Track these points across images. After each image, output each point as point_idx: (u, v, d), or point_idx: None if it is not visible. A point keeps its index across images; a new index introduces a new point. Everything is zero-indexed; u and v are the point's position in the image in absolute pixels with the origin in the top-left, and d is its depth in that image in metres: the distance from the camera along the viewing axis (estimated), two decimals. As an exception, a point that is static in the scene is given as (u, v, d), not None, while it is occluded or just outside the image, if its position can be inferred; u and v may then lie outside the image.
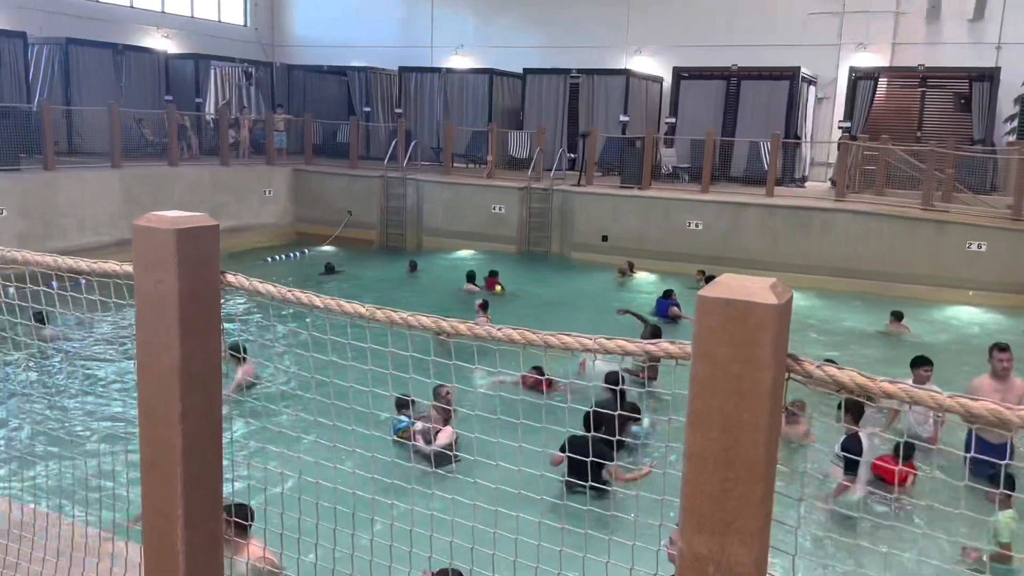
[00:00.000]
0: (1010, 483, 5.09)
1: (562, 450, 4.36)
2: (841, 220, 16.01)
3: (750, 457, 1.75)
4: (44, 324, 7.29)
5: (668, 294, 13.46)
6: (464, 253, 18.32)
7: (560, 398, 8.16)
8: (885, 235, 15.58)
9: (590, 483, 3.24)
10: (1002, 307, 14.24)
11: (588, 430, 6.58)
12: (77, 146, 19.29)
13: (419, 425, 7.57)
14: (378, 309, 2.24)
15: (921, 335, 12.65)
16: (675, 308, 13.07)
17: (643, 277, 16.46)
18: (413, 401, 6.77)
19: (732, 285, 1.74)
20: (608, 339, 2.02)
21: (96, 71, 20.51)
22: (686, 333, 2.00)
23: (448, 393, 7.44)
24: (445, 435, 7.33)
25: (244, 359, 8.46)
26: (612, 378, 7.99)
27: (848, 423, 6.63)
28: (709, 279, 16.07)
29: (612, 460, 6.50)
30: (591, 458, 2.94)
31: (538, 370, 8.36)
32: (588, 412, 3.49)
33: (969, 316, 14.09)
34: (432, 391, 7.31)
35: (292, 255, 18.56)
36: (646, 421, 8.12)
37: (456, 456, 6.14)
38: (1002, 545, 5.80)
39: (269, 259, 17.65)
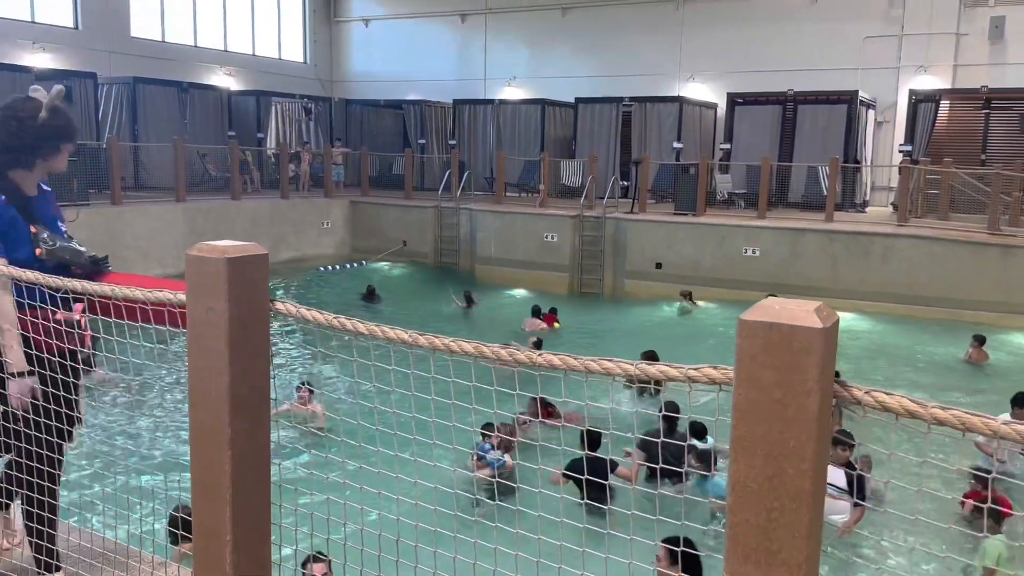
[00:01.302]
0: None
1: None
2: (904, 245, 15.61)
3: (796, 486, 1.70)
4: (92, 367, 7.46)
5: None
6: (518, 292, 18.24)
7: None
8: (950, 260, 15.13)
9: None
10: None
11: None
12: (143, 181, 20.01)
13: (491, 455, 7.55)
14: (420, 335, 2.25)
15: (1001, 362, 12.22)
16: None
17: (703, 306, 16.24)
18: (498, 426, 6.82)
19: (775, 308, 1.71)
20: (650, 364, 2.00)
21: (162, 108, 21.30)
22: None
23: (525, 423, 7.51)
24: (507, 466, 7.33)
25: (310, 392, 8.52)
26: (672, 406, 7.90)
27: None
28: (687, 296, 15.84)
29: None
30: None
31: (543, 401, 8.10)
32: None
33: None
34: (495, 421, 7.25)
35: (347, 266, 19.07)
36: (710, 439, 7.97)
37: (518, 487, 6.07)
38: (986, 570, 5.79)
39: (323, 268, 18.23)
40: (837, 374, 1.80)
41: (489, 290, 18.17)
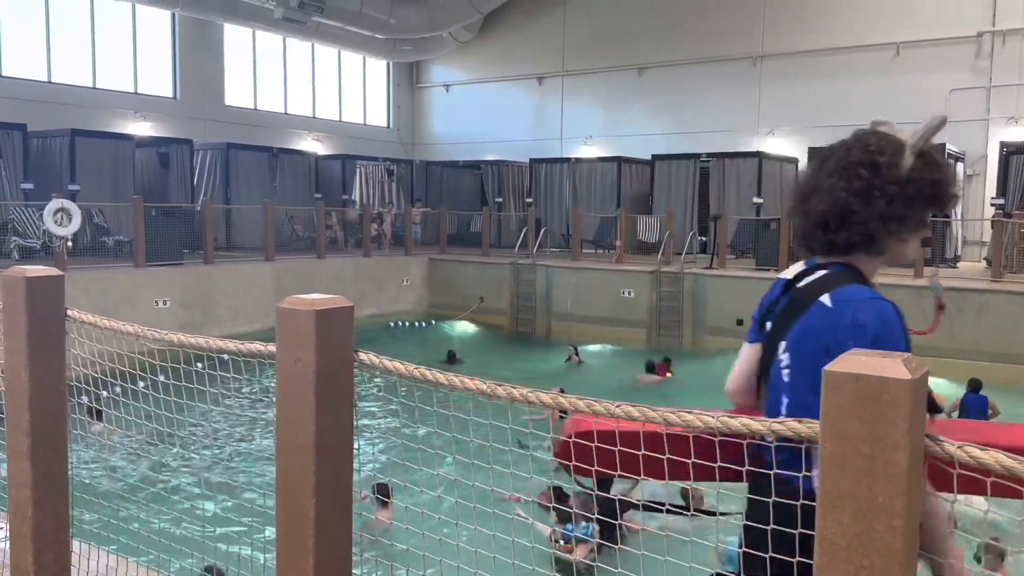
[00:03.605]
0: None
1: None
2: (998, 302, 14.95)
3: (886, 544, 1.65)
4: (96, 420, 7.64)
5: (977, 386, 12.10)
6: (598, 346, 18.20)
7: None
8: (1051, 317, 14.40)
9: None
10: None
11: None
12: (235, 241, 20.84)
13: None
14: (499, 385, 2.28)
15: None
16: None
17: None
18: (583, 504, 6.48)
19: (861, 359, 1.68)
20: (731, 417, 1.97)
21: (253, 172, 22.27)
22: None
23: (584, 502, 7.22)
24: (586, 545, 7.04)
25: (387, 502, 7.14)
26: None
27: None
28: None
29: None
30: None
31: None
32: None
33: None
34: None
35: (418, 323, 19.50)
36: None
37: (597, 565, 5.89)
38: None
39: (392, 324, 18.91)
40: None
41: (566, 347, 18.18)
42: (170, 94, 24.14)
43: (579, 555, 6.93)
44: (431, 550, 2.68)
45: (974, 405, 11.90)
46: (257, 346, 2.71)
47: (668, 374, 14.86)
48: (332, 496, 2.48)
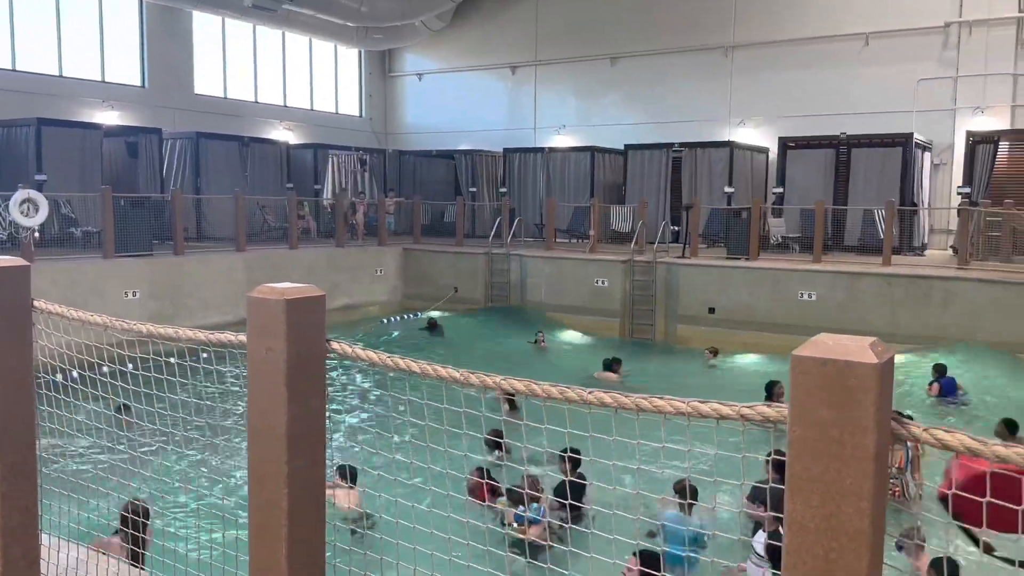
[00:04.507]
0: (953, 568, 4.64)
1: None
2: (965, 289, 15.20)
3: (855, 527, 1.67)
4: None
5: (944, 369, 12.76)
6: (573, 335, 18.27)
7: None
8: (1014, 303, 14.66)
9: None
10: None
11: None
12: (205, 232, 20.60)
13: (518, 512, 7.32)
14: (471, 373, 2.28)
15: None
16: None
17: (749, 360, 15.93)
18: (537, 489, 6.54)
19: (829, 344, 1.70)
20: (703, 402, 1.99)
21: (223, 162, 22.01)
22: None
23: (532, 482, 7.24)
24: (539, 526, 7.11)
25: (351, 485, 7.17)
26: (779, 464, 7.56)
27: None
28: (713, 353, 15.41)
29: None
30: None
31: (480, 472, 7.33)
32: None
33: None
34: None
35: (405, 316, 19.64)
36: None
37: (551, 545, 5.93)
38: None
39: (384, 320, 18.92)
40: (901, 414, 1.77)
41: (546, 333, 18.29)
42: (138, 82, 23.76)
43: (534, 535, 7.01)
44: (403, 537, 2.68)
45: (948, 387, 12.27)
46: (227, 336, 2.68)
47: (618, 374, 14.73)
48: (305, 486, 2.47)
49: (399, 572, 2.66)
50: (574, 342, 17.99)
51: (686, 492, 6.05)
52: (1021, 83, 20.92)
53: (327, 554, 2.56)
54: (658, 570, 5.00)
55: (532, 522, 7.23)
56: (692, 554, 5.83)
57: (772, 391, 10.87)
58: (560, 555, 2.53)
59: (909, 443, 1.73)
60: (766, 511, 5.72)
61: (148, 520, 4.24)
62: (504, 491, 6.73)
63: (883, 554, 1.72)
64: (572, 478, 7.30)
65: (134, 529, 4.08)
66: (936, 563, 5.22)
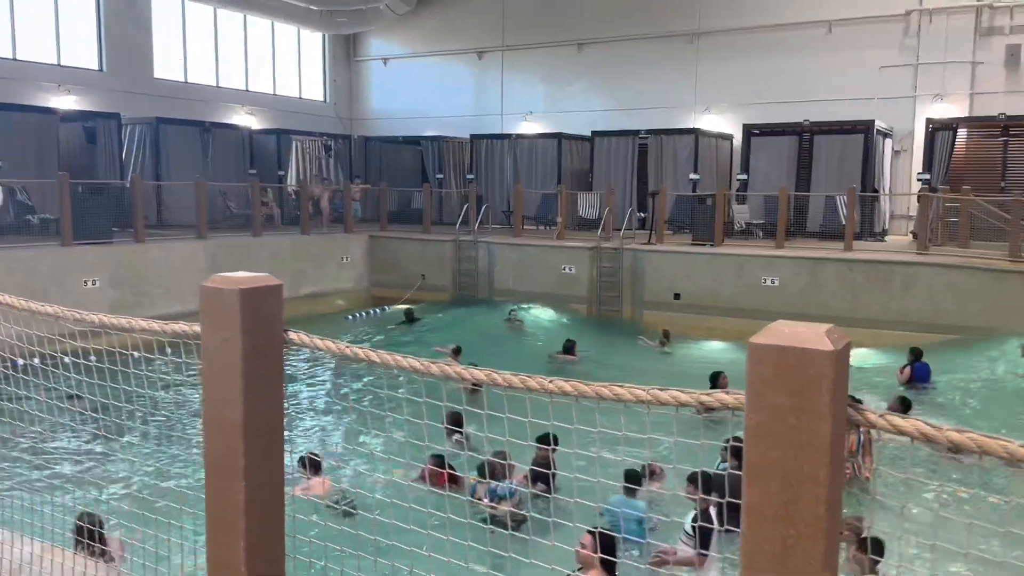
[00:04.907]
0: (878, 547, 4.78)
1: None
2: (924, 274, 15.47)
3: (812, 513, 1.68)
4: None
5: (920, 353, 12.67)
6: (547, 315, 18.31)
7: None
8: (972, 288, 14.96)
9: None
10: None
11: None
12: (166, 219, 20.26)
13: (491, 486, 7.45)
14: (432, 363, 2.26)
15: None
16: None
17: (715, 346, 16.08)
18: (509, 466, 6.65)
19: (785, 331, 1.70)
20: (662, 390, 1.99)
21: (184, 148, 21.63)
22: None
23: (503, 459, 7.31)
24: (508, 503, 7.23)
25: (318, 471, 7.15)
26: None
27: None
28: (664, 337, 15.71)
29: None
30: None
31: (439, 461, 7.31)
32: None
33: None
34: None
35: (372, 312, 19.16)
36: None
37: (524, 518, 6.03)
38: None
39: (351, 317, 18.36)
40: (854, 399, 1.78)
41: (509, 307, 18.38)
42: (96, 66, 23.22)
43: (503, 508, 7.09)
44: (366, 528, 2.65)
45: (921, 372, 12.32)
46: (181, 326, 2.63)
47: (575, 355, 14.93)
48: (263, 478, 2.43)
49: (377, 564, 2.63)
50: (545, 320, 18.01)
51: (639, 477, 6.20)
52: (979, 71, 21.27)
53: (322, 545, 2.52)
54: (611, 546, 5.19)
55: (503, 498, 7.32)
56: (630, 537, 5.95)
57: (716, 382, 10.95)
58: (530, 531, 2.53)
59: (862, 428, 1.74)
60: (698, 493, 5.86)
61: (103, 529, 4.16)
62: (475, 469, 6.78)
63: (839, 540, 1.73)
64: (544, 462, 7.42)
65: (90, 539, 4.01)
66: (863, 543, 5.37)
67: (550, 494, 6.90)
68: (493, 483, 7.37)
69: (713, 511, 6.17)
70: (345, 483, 6.92)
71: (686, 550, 6.35)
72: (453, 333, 15.79)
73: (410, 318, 17.50)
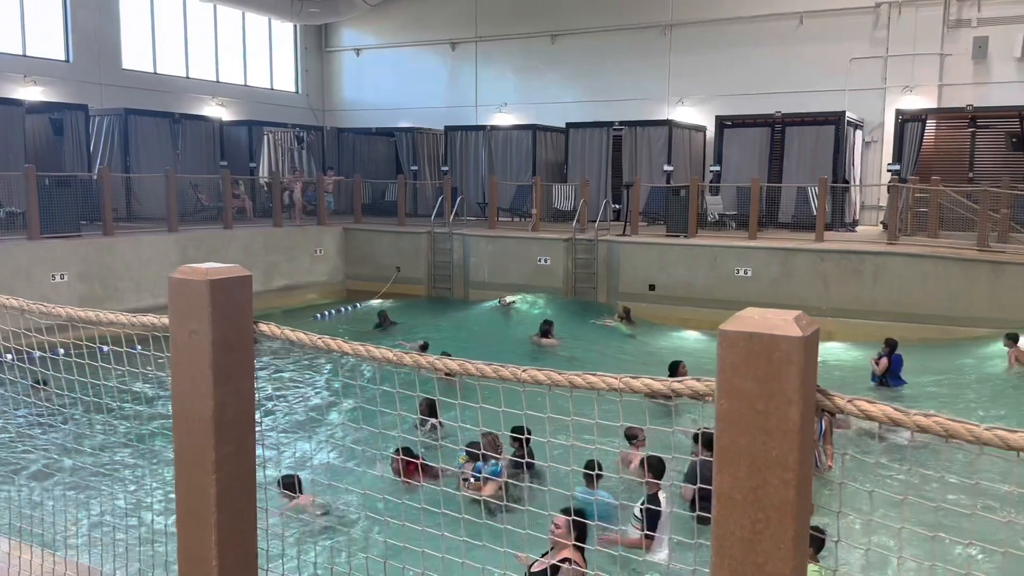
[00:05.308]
0: (817, 541, 4.84)
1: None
2: (894, 263, 15.68)
3: (781, 497, 1.70)
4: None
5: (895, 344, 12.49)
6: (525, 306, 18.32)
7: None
8: (941, 278, 15.19)
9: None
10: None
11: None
12: (136, 212, 19.99)
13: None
14: (405, 354, 2.25)
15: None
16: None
17: (689, 335, 16.20)
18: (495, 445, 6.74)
19: (755, 318, 1.71)
20: (634, 378, 1.99)
21: (154, 140, 21.34)
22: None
23: (492, 440, 7.34)
24: (494, 484, 7.28)
25: (299, 493, 6.46)
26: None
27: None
28: (625, 314, 15.98)
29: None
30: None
31: (408, 452, 7.00)
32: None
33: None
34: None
35: (342, 310, 18.93)
36: None
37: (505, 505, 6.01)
38: None
39: (319, 316, 18.01)
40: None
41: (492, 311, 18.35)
42: (62, 57, 22.80)
43: (488, 493, 7.12)
44: (342, 523, 2.64)
45: (896, 363, 12.42)
46: (150, 319, 2.60)
47: (554, 339, 15.05)
48: (234, 472, 2.41)
49: (333, 555, 2.62)
50: (534, 311, 18.01)
51: (594, 467, 6.30)
52: (948, 63, 21.54)
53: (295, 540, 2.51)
54: (582, 527, 5.31)
55: (488, 479, 7.36)
56: (603, 525, 6.03)
57: (676, 371, 11.01)
58: (512, 511, 2.55)
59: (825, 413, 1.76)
60: (645, 477, 5.99)
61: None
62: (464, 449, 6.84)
63: (809, 524, 1.74)
64: (524, 450, 7.46)
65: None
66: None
67: (528, 483, 6.93)
68: (479, 464, 7.43)
69: (662, 496, 6.30)
70: (324, 488, 6.84)
71: (634, 533, 6.46)
72: (428, 332, 15.65)
73: (384, 322, 16.55)
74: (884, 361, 12.42)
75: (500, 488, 7.03)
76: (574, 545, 5.25)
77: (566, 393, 2.11)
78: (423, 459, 7.10)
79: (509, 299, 17.43)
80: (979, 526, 1.84)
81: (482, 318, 17.43)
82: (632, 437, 7.92)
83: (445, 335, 15.47)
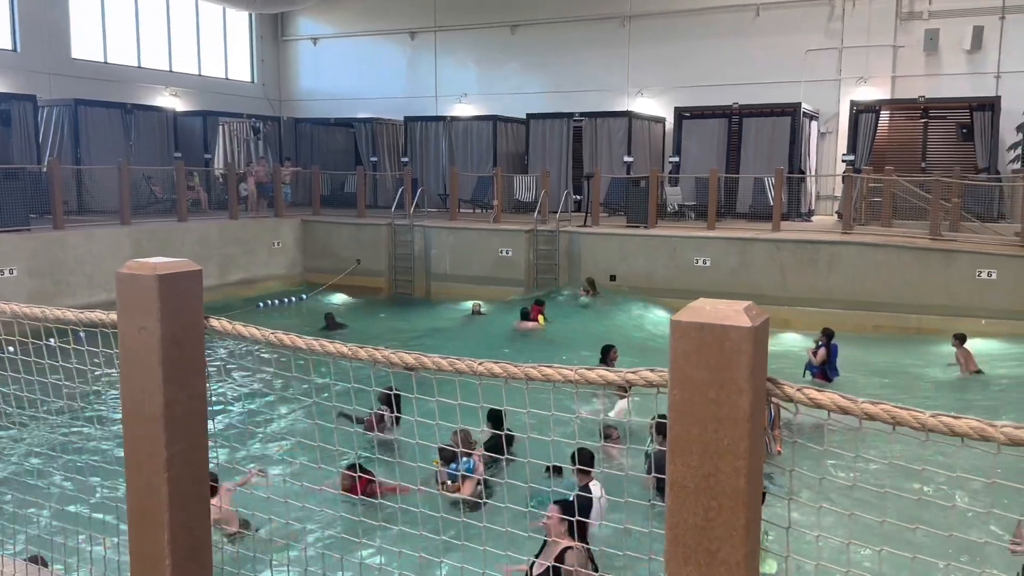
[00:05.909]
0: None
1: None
2: (849, 253, 15.96)
3: (732, 485, 1.72)
4: None
5: (832, 333, 12.40)
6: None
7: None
8: (894, 266, 15.50)
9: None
10: (1015, 335, 14.07)
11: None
12: (87, 205, 19.55)
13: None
14: (360, 348, 2.23)
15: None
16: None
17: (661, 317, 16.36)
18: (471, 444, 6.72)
19: (706, 309, 1.73)
20: (589, 369, 2.00)
21: (105, 131, 20.88)
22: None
23: (465, 436, 7.26)
24: (471, 481, 7.22)
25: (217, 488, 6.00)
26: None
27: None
28: (590, 286, 16.31)
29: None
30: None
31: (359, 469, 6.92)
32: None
33: (986, 346, 13.82)
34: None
35: (286, 300, 18.57)
36: None
37: (484, 502, 5.94)
38: None
39: (261, 305, 17.73)
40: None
41: (447, 306, 18.23)
42: (9, 46, 22.17)
43: (466, 492, 7.09)
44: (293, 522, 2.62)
45: (834, 353, 12.52)
46: (97, 315, 2.54)
47: (540, 318, 15.37)
48: (186, 470, 2.37)
49: (290, 554, 2.60)
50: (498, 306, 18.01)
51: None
52: (901, 55, 21.95)
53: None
54: (573, 515, 5.32)
55: (465, 478, 7.33)
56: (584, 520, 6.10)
57: (607, 355, 11.08)
58: (491, 507, 2.53)
59: (773, 401, 1.78)
60: (574, 468, 6.04)
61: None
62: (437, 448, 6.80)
63: (760, 511, 1.77)
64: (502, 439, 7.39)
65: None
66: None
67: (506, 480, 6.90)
68: (452, 465, 7.35)
69: (594, 487, 6.39)
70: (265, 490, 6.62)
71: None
72: (384, 337, 15.35)
73: (332, 325, 15.54)
74: (823, 351, 12.32)
75: (479, 484, 6.97)
76: (568, 531, 5.36)
77: (537, 385, 2.10)
78: (376, 475, 6.73)
79: (482, 307, 17.20)
80: (925, 512, 1.87)
81: (446, 319, 17.26)
82: (607, 437, 7.99)
83: (410, 338, 15.22)
